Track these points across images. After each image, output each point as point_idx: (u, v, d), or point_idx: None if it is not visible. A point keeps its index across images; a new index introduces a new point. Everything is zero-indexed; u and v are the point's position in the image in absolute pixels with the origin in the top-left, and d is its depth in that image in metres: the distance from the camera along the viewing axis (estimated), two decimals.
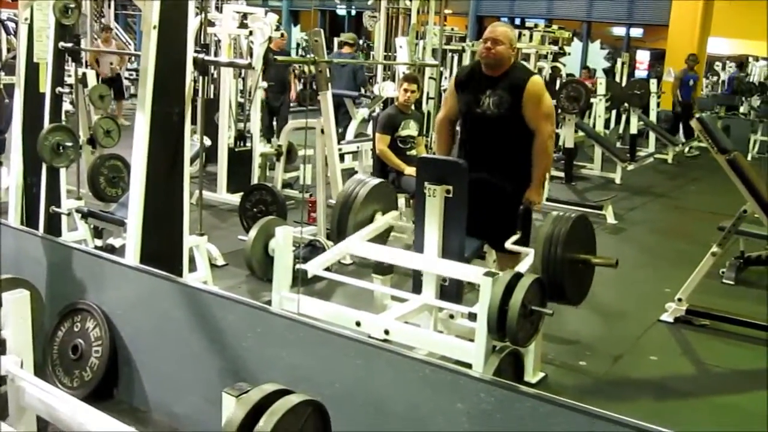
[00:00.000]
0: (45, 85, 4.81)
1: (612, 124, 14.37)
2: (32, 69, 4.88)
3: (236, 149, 7.90)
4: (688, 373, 4.61)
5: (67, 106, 6.71)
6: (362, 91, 10.63)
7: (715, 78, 19.14)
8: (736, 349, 4.87)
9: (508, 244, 4.13)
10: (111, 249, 5.12)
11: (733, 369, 4.64)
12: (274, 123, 10.11)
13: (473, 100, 4.31)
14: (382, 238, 4.38)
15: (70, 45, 4.73)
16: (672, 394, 4.30)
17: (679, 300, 5.17)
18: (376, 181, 4.42)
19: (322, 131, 6.02)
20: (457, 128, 4.68)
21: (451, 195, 3.83)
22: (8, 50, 12.02)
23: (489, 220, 4.25)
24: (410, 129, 6.26)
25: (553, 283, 3.53)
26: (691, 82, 14.08)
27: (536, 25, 14.34)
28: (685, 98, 14.01)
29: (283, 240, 3.79)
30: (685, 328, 5.12)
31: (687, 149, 13.38)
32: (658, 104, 13.40)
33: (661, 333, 5.08)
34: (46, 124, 4.72)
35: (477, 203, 3.96)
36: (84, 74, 6.74)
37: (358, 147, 7.95)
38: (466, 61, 13.33)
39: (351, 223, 4.19)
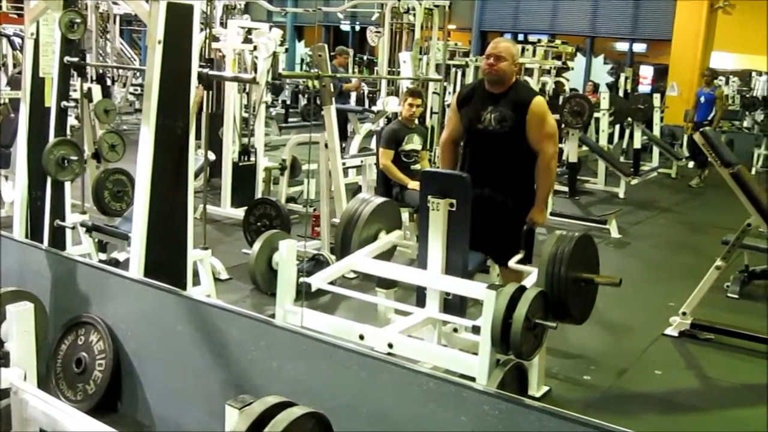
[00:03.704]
0: (50, 100, 4.84)
1: (616, 139, 14.37)
2: (38, 83, 4.90)
3: (240, 164, 7.93)
4: (693, 386, 4.59)
5: (72, 120, 6.73)
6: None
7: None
8: (740, 363, 4.86)
9: (512, 263, 4.13)
10: (115, 263, 5.13)
11: (738, 383, 4.62)
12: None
13: (475, 116, 4.31)
14: (386, 256, 4.38)
15: (75, 60, 4.76)
16: (677, 407, 4.28)
17: (684, 314, 5.16)
18: (381, 200, 4.41)
19: (326, 146, 6.03)
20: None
21: (454, 208, 3.83)
22: (14, 65, 12.09)
23: (491, 236, 4.24)
24: (414, 143, 6.27)
25: (557, 303, 3.52)
26: (703, 99, 12.11)
27: (539, 40, 14.42)
28: (699, 118, 11.97)
29: (287, 254, 3.78)
30: (690, 342, 5.11)
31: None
32: (662, 119, 13.37)
33: (665, 347, 5.07)
34: (52, 138, 4.74)
35: (479, 219, 3.96)
36: (89, 89, 6.78)
37: (361, 161, 7.96)
38: (470, 75, 13.38)
39: (355, 242, 4.19)
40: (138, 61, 16.99)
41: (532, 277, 3.85)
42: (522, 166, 4.28)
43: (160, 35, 3.91)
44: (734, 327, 5.11)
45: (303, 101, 16.96)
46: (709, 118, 11.88)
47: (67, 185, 4.94)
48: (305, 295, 3.78)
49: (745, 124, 16.43)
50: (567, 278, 3.56)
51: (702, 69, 17.17)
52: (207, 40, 5.75)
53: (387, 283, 4.18)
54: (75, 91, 5.87)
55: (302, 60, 23.64)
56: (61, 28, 4.58)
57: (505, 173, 4.29)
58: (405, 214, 5.90)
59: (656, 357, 4.92)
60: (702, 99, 12.15)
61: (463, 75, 13.94)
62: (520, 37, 20.35)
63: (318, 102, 6.17)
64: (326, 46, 6.11)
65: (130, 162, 5.02)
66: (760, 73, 19.05)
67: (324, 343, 2.99)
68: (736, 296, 6.09)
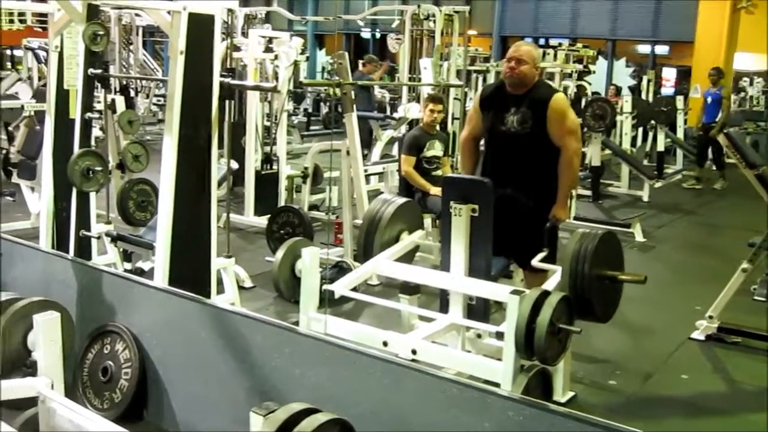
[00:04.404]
0: (75, 111, 4.89)
1: (639, 142, 14.27)
2: (62, 96, 4.96)
3: (263, 172, 7.96)
4: (720, 391, 4.55)
5: (96, 131, 6.79)
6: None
7: (742, 94, 18.95)
8: None
9: (535, 262, 4.12)
10: (140, 272, 5.17)
11: (765, 387, 4.56)
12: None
13: (497, 118, 4.31)
14: (408, 257, 4.38)
15: (99, 71, 4.80)
16: (704, 412, 4.24)
17: (710, 317, 5.11)
18: (402, 200, 4.42)
19: (348, 153, 6.04)
20: (481, 146, 4.68)
21: (476, 214, 3.83)
22: (39, 78, 12.24)
23: (515, 238, 4.23)
24: (435, 149, 6.27)
25: (581, 301, 3.50)
26: (709, 100, 11.84)
27: (560, 44, 14.35)
28: (706, 120, 11.77)
29: (310, 261, 3.80)
30: (717, 345, 5.06)
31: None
32: (685, 121, 13.27)
33: (692, 351, 5.02)
34: (76, 150, 4.78)
35: (502, 221, 3.95)
36: (113, 100, 6.85)
37: (383, 168, 7.97)
38: (491, 81, 13.35)
39: (377, 243, 4.20)
40: (161, 72, 17.13)
41: (556, 276, 3.84)
42: (545, 166, 4.27)
43: (182, 46, 3.95)
44: (762, 330, 5.05)
45: (325, 109, 17.02)
46: (717, 119, 11.59)
47: (92, 196, 4.97)
48: (329, 302, 3.79)
49: None
50: (591, 276, 3.54)
51: (726, 70, 17.03)
52: (228, 50, 5.78)
53: (410, 290, 4.18)
54: (99, 102, 5.92)
55: (323, 68, 23.73)
56: (85, 41, 4.62)
57: (528, 174, 4.28)
58: (428, 221, 5.90)
59: (682, 361, 4.88)
60: (709, 100, 11.91)
61: (484, 80, 13.91)
62: (541, 41, 20.25)
63: (339, 110, 6.18)
64: (347, 53, 6.13)
65: (154, 172, 5.06)
66: None
67: (348, 349, 3.00)
68: (763, 299, 5.98)
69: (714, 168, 12.40)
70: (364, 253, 4.23)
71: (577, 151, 4.31)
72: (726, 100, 11.69)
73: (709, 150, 12.04)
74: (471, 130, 4.60)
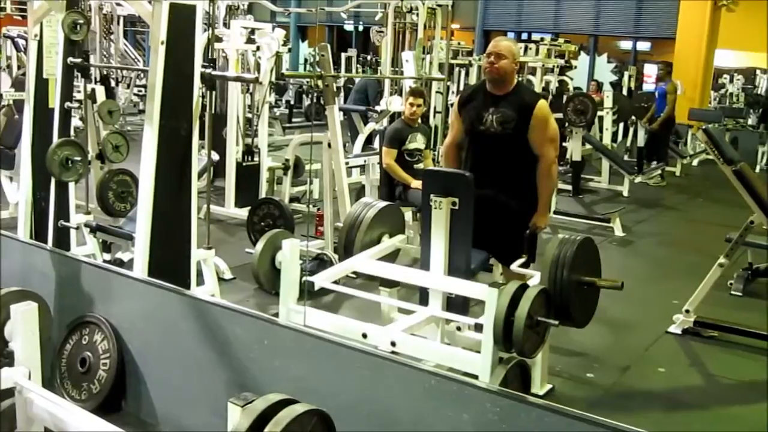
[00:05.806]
0: (54, 101, 4.86)
1: (619, 137, 14.35)
2: (42, 85, 4.93)
3: (244, 164, 7.95)
4: (697, 384, 4.59)
5: (76, 121, 6.75)
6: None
7: (722, 91, 19.12)
8: (744, 361, 4.85)
9: (514, 267, 4.14)
10: (119, 263, 5.15)
11: (741, 380, 4.63)
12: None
13: (476, 117, 4.31)
14: (390, 257, 4.38)
15: (79, 61, 4.77)
16: (680, 405, 4.29)
17: (687, 311, 5.16)
18: (383, 203, 4.42)
19: (329, 145, 6.04)
20: None
21: (457, 207, 3.83)
22: (18, 67, 12.15)
23: (494, 237, 4.25)
24: (417, 142, 6.28)
25: (560, 306, 3.52)
26: (657, 95, 11.87)
27: (542, 39, 14.39)
28: (657, 113, 11.67)
29: (290, 253, 3.79)
30: (694, 339, 5.11)
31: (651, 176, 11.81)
32: None
33: (669, 344, 5.07)
34: (56, 139, 4.76)
35: (482, 220, 3.96)
36: (93, 90, 6.80)
37: (365, 161, 7.97)
38: (473, 74, 13.37)
39: (357, 246, 4.19)
40: (142, 62, 17.02)
41: (534, 280, 3.86)
42: (523, 167, 4.29)
43: (163, 36, 3.93)
44: (738, 324, 5.10)
45: (307, 101, 16.99)
46: (662, 113, 11.64)
47: (72, 186, 4.95)
48: (308, 294, 3.79)
49: (749, 122, 16.42)
50: (569, 282, 3.57)
51: (706, 67, 17.17)
52: (210, 41, 5.76)
53: (390, 282, 4.19)
54: (79, 92, 5.88)
55: (306, 60, 23.69)
56: (65, 30, 4.59)
57: (507, 175, 4.29)
58: (408, 214, 5.91)
59: (659, 354, 4.92)
60: (657, 94, 11.96)
61: (467, 74, 13.95)
62: (524, 36, 20.35)
63: (321, 102, 6.17)
64: (329, 46, 6.11)
65: (134, 162, 5.04)
66: (765, 71, 19.02)
67: (327, 341, 3.00)
68: (740, 294, 6.08)
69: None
70: (345, 255, 4.22)
71: (555, 160, 4.32)
72: (670, 95, 11.61)
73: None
74: (453, 136, 4.58)
